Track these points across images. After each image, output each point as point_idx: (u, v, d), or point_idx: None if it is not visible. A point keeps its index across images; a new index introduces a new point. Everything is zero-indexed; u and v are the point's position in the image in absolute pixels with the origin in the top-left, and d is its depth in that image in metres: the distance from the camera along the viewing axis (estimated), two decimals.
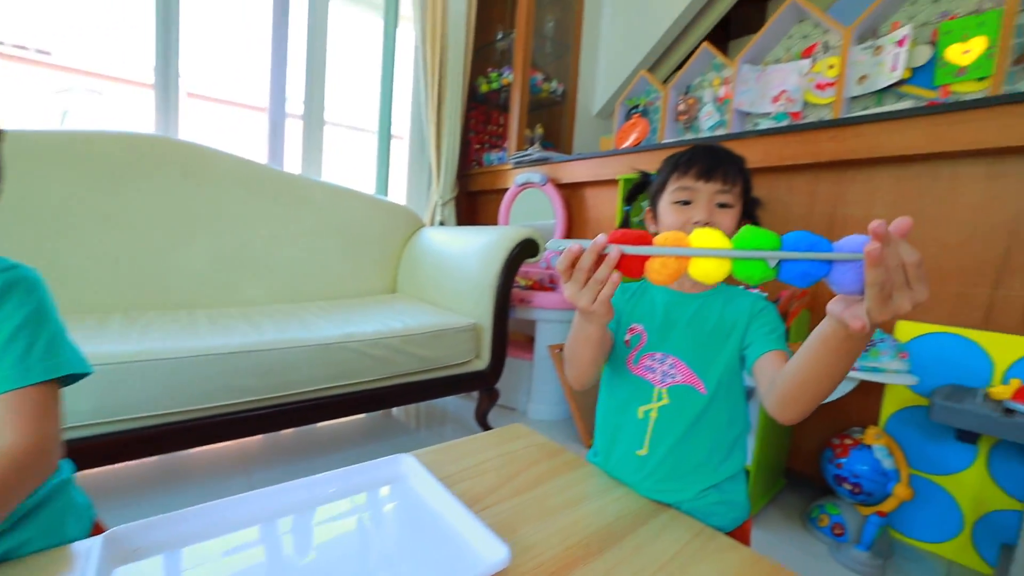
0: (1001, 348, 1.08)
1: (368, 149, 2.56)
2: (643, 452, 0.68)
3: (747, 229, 0.41)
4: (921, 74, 1.26)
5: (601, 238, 0.46)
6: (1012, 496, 1.06)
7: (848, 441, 1.17)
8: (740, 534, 0.67)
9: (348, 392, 1.31)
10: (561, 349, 1.88)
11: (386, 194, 2.60)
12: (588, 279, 0.48)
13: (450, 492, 0.60)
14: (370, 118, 2.53)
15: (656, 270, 0.44)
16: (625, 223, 0.99)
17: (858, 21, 1.31)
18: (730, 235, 0.43)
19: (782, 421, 0.54)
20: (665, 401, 0.67)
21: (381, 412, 1.92)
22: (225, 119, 2.10)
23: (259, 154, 2.11)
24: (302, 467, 1.41)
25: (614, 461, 0.71)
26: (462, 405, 2.05)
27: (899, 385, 1.15)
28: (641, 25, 2.52)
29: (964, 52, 1.19)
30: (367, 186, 2.55)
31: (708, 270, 0.42)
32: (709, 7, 2.42)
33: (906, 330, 1.20)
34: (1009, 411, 0.93)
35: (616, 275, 0.47)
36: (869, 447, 1.13)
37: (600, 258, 0.47)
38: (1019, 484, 1.05)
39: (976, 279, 1.12)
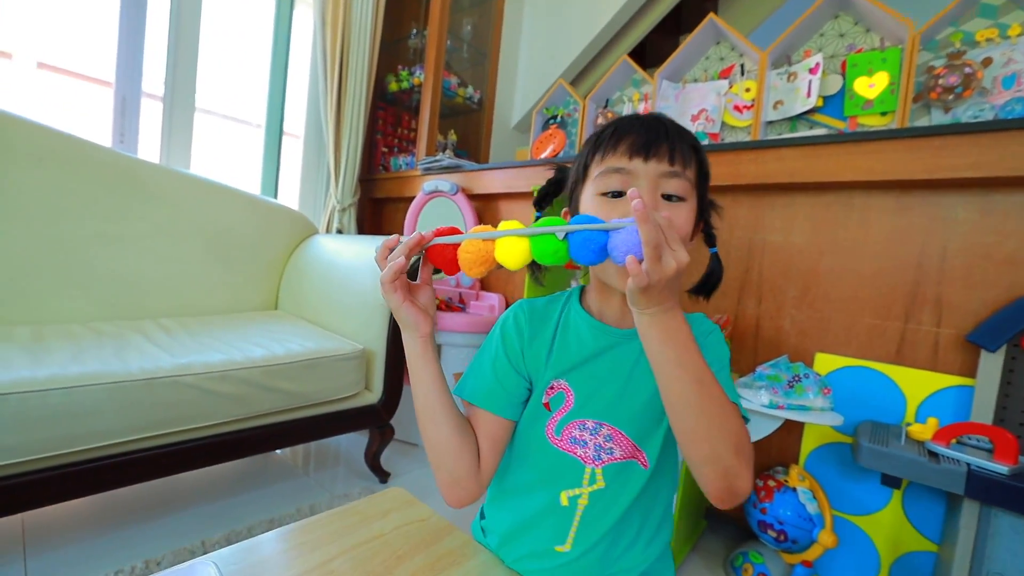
0: (913, 383, 1.06)
1: (258, 145, 2.21)
2: (565, 548, 0.49)
3: (546, 217, 0.44)
4: (831, 104, 1.26)
5: (415, 234, 0.45)
6: (926, 537, 1.02)
7: (771, 483, 1.08)
8: None
9: (182, 441, 0.99)
10: None
11: (275, 196, 2.26)
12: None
13: None
14: (260, 110, 2.18)
15: (465, 252, 0.45)
16: None
17: (774, 45, 1.29)
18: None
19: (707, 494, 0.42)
20: (600, 484, 0.50)
21: None
22: (76, 95, 1.67)
23: (103, 136, 1.69)
24: (128, 533, 1.04)
25: (519, 552, 0.52)
26: (358, 441, 1.75)
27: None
28: (561, 40, 2.46)
29: (870, 86, 1.20)
30: (253, 186, 2.19)
31: (510, 252, 0.43)
32: (628, 28, 2.42)
33: (824, 363, 1.16)
34: (933, 455, 0.88)
35: (405, 248, 0.45)
36: (793, 490, 1.05)
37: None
38: (933, 524, 1.02)
39: (888, 312, 1.10)
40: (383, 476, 1.42)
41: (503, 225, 0.44)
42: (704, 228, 0.56)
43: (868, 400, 1.10)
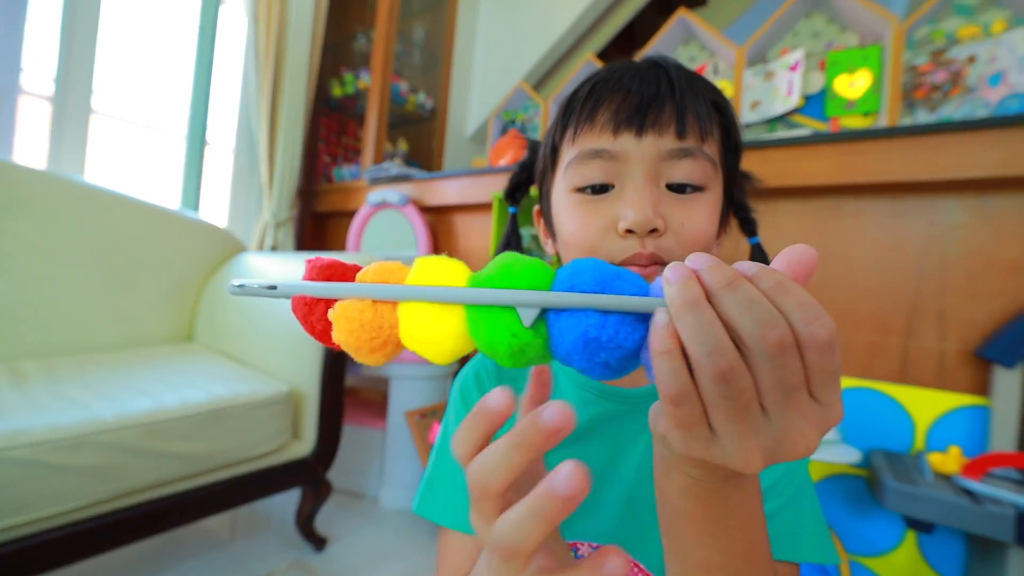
0: (920, 405, 0.95)
1: (179, 154, 1.94)
2: None
3: (505, 257, 0.21)
4: (812, 104, 1.19)
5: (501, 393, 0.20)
6: None
7: None
8: None
9: (17, 538, 0.72)
10: (423, 415, 1.45)
11: (196, 209, 1.97)
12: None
13: None
14: (181, 115, 1.92)
15: (345, 329, 0.22)
16: (508, 243, 0.49)
17: (751, 42, 1.21)
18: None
19: None
20: None
21: None
22: None
23: None
24: None
25: None
26: (293, 496, 1.47)
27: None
28: (517, 51, 2.35)
29: (851, 85, 1.13)
30: (172, 200, 1.91)
31: (424, 333, 0.21)
32: (584, 42, 2.35)
33: None
34: (968, 493, 0.76)
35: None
36: None
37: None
38: (953, 565, 0.91)
39: (889, 327, 1.00)
40: (318, 543, 1.17)
41: (417, 272, 0.22)
42: (737, 212, 0.40)
43: (874, 425, 0.99)
